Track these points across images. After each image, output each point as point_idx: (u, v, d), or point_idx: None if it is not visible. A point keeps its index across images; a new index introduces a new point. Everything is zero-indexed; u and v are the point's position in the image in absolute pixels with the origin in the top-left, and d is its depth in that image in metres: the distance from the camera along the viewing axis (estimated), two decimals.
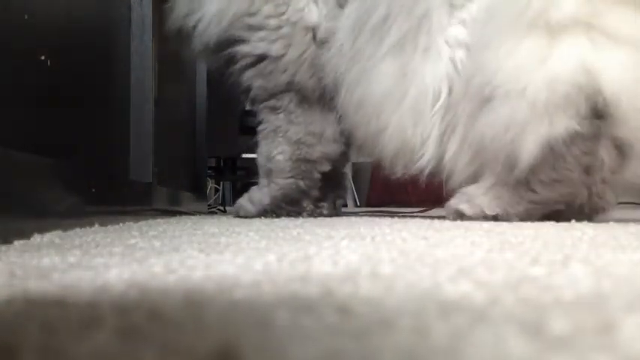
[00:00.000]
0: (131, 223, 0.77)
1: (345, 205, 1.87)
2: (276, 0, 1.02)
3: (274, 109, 1.05)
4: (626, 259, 0.39)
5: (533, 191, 0.86)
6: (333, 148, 1.06)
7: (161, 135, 1.14)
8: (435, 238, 0.53)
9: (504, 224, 0.77)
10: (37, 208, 0.59)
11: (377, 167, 1.20)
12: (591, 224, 0.80)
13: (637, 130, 0.83)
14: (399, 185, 1.36)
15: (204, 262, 0.36)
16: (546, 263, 0.36)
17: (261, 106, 1.06)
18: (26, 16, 0.65)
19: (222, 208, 1.81)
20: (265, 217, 1.03)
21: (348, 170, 1.43)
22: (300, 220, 0.87)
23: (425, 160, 0.95)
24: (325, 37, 1.02)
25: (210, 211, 1.66)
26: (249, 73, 1.05)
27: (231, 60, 1.06)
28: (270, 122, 1.05)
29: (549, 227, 0.70)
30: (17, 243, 0.48)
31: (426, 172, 0.96)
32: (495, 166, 0.87)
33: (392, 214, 1.28)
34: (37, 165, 0.60)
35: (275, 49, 1.03)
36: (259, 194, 1.07)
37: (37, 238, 0.51)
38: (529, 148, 0.82)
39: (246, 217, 1.06)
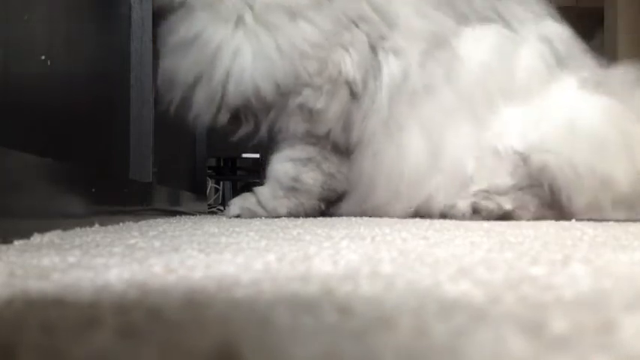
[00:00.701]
0: (131, 223, 0.77)
1: None
2: (319, 56, 1.06)
3: (312, 143, 1.12)
4: (626, 259, 0.39)
5: None
6: None
7: (161, 135, 1.14)
8: (435, 238, 0.53)
9: (504, 224, 0.77)
10: (37, 208, 0.59)
11: None
12: (591, 224, 0.80)
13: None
14: None
15: (204, 262, 0.36)
16: (546, 263, 0.36)
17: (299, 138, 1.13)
18: (26, 17, 0.65)
19: (222, 208, 1.81)
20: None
21: None
22: (300, 220, 0.87)
23: None
24: (358, 92, 1.09)
25: (210, 211, 1.66)
26: (296, 119, 1.10)
27: (271, 108, 1.10)
28: (305, 151, 1.12)
29: (549, 227, 0.70)
30: (17, 243, 0.48)
31: None
32: None
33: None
34: (37, 165, 0.60)
35: (320, 103, 1.08)
36: (273, 202, 1.11)
37: (37, 238, 0.51)
38: None
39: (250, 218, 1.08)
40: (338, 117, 1.09)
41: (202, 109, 1.08)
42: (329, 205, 1.14)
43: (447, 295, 0.26)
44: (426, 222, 0.80)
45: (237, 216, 1.08)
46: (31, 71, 0.68)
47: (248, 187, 1.50)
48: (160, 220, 0.89)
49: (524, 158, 1.01)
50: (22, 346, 0.18)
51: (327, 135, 1.09)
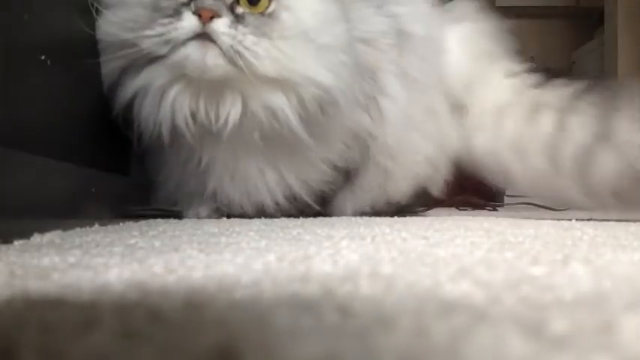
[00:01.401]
0: (131, 223, 0.77)
1: None
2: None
3: None
4: (626, 259, 0.39)
5: None
6: None
7: None
8: (435, 238, 0.53)
9: (504, 223, 0.76)
10: (37, 208, 0.59)
11: None
12: (591, 224, 0.80)
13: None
14: None
15: (204, 262, 0.36)
16: (546, 263, 0.36)
17: None
18: (26, 16, 0.65)
19: None
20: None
21: None
22: (300, 220, 0.87)
23: None
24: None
25: None
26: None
27: None
28: None
29: (549, 227, 0.70)
30: (17, 243, 0.48)
31: None
32: None
33: None
34: (37, 165, 0.60)
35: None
36: None
37: (37, 238, 0.51)
38: None
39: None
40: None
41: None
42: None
43: (447, 295, 0.26)
44: (426, 222, 0.80)
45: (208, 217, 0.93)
46: (31, 71, 0.68)
47: None
48: (160, 220, 0.89)
49: None
50: (22, 346, 0.18)
51: None
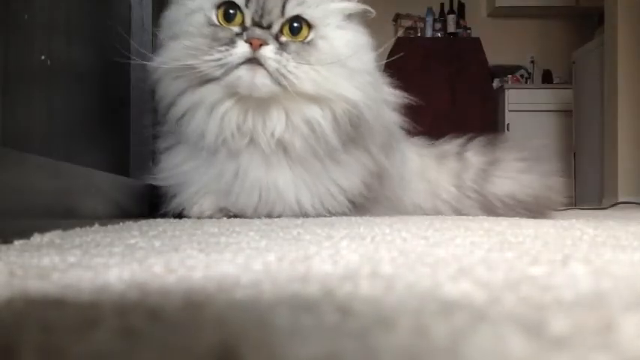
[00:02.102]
0: (131, 223, 0.77)
1: None
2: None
3: None
4: (626, 259, 0.39)
5: None
6: None
7: None
8: (435, 238, 0.53)
9: (504, 224, 0.76)
10: (37, 208, 0.59)
11: None
12: (591, 224, 0.80)
13: None
14: None
15: (204, 262, 0.36)
16: (546, 263, 0.36)
17: None
18: (26, 16, 0.65)
19: None
20: None
21: None
22: (300, 220, 0.87)
23: None
24: None
25: None
26: None
27: None
28: None
29: (549, 227, 0.70)
30: (17, 243, 0.48)
31: None
32: None
33: None
34: (37, 165, 0.60)
35: None
36: None
37: (37, 238, 0.51)
38: None
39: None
40: None
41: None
42: None
43: (447, 295, 0.26)
44: (426, 222, 0.80)
45: (209, 217, 0.98)
46: (31, 71, 0.68)
47: None
48: (160, 220, 0.89)
49: None
50: (22, 346, 0.18)
51: None
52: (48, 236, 0.53)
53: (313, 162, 0.99)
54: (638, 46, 3.10)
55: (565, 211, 1.62)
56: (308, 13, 0.95)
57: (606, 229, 0.69)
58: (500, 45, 4.41)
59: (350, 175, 1.03)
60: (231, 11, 0.93)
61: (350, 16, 1.00)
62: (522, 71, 4.50)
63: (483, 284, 0.28)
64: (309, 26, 0.95)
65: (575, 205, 3.37)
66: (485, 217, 1.11)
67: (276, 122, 0.95)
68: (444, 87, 3.98)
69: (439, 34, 4.34)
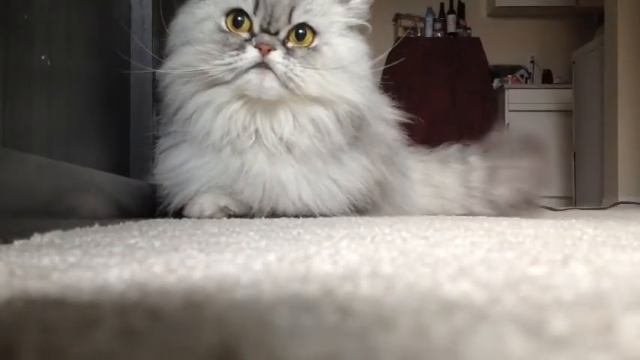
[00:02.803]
0: (131, 223, 0.77)
1: None
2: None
3: None
4: (626, 259, 0.39)
5: None
6: None
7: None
8: (435, 238, 0.53)
9: (504, 224, 0.76)
10: (37, 208, 0.59)
11: None
12: (591, 224, 0.80)
13: None
14: None
15: (204, 262, 0.36)
16: (546, 263, 0.36)
17: None
18: (26, 16, 0.65)
19: None
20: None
21: None
22: (300, 220, 0.87)
23: None
24: None
25: None
26: None
27: None
28: None
29: (549, 227, 0.70)
30: (17, 243, 0.48)
31: None
32: None
33: None
34: (37, 164, 0.60)
35: None
36: None
37: (37, 238, 0.51)
38: None
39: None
40: None
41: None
42: None
43: (447, 295, 0.26)
44: (426, 222, 0.80)
45: (210, 217, 0.97)
46: (31, 71, 0.68)
47: None
48: (160, 220, 0.89)
49: None
50: (22, 346, 0.18)
51: None
52: (48, 236, 0.53)
53: (316, 160, 1.03)
54: (638, 46, 3.10)
55: (565, 211, 1.62)
56: (313, 21, 1.00)
57: (606, 229, 0.69)
58: (500, 45, 4.41)
59: (350, 177, 1.06)
60: (239, 18, 0.98)
61: (351, 27, 1.07)
62: (522, 71, 4.51)
63: (483, 284, 0.28)
64: (314, 33, 1.00)
65: (575, 205, 3.37)
66: (485, 217, 1.11)
67: (284, 124, 1.00)
68: (444, 87, 3.98)
69: (439, 34, 4.34)
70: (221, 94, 0.99)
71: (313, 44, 1.00)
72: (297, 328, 0.20)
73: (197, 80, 0.98)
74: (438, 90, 3.95)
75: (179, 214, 1.00)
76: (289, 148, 1.01)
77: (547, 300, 0.25)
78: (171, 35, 1.03)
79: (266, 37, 0.96)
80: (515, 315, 0.22)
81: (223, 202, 0.99)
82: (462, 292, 0.27)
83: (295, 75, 0.97)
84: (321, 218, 0.96)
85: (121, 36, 1.06)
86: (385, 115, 1.20)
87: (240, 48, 0.96)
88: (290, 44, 0.98)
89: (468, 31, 4.38)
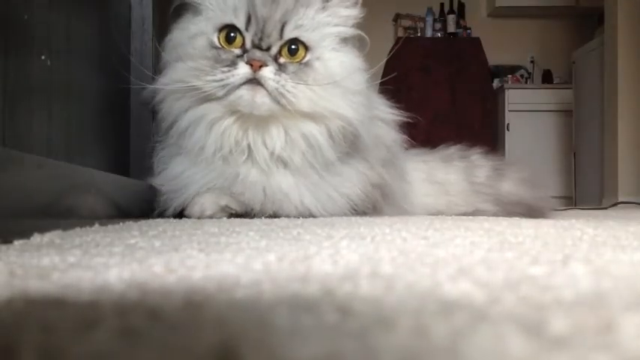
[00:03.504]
0: (131, 223, 0.77)
1: None
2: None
3: None
4: (626, 259, 0.39)
5: None
6: None
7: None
8: (435, 238, 0.53)
9: (504, 224, 0.76)
10: (37, 208, 0.59)
11: None
12: (591, 224, 0.80)
13: None
14: None
15: (204, 262, 0.36)
16: (546, 263, 0.36)
17: None
18: (26, 17, 0.65)
19: None
20: None
21: None
22: (300, 220, 0.87)
23: None
24: None
25: None
26: None
27: None
28: None
29: (549, 227, 0.70)
30: (17, 243, 0.48)
31: None
32: None
33: None
34: (37, 165, 0.60)
35: None
36: None
37: (37, 238, 0.51)
38: None
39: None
40: None
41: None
42: None
43: (447, 295, 0.26)
44: (426, 222, 0.80)
45: (210, 217, 0.96)
46: (31, 72, 0.68)
47: None
48: (160, 220, 0.89)
49: None
50: (22, 346, 0.18)
51: None
52: (48, 236, 0.52)
53: (310, 172, 1.04)
54: (638, 46, 3.10)
55: (565, 211, 1.62)
56: (305, 36, 1.00)
57: (606, 229, 0.69)
58: (500, 45, 4.41)
59: (347, 183, 1.07)
60: (232, 34, 0.98)
61: (345, 40, 1.06)
62: (522, 71, 4.50)
63: (483, 284, 0.28)
64: (306, 48, 1.00)
65: (575, 205, 3.37)
66: (485, 217, 1.11)
67: (276, 139, 1.00)
68: (444, 87, 3.98)
69: (439, 34, 4.34)
70: (214, 109, 0.99)
71: (305, 59, 1.00)
72: (297, 328, 0.20)
73: (190, 96, 0.99)
74: (438, 90, 3.95)
75: (179, 215, 1.00)
76: (284, 162, 1.02)
77: (547, 300, 0.25)
78: (165, 51, 1.04)
79: (257, 54, 0.96)
80: (515, 315, 0.22)
81: (224, 201, 0.98)
82: (462, 292, 0.27)
83: (287, 91, 0.97)
84: (321, 218, 0.96)
85: (121, 36, 1.06)
86: (383, 116, 1.19)
87: (232, 64, 0.96)
88: (282, 60, 0.98)
89: (468, 31, 4.38)
